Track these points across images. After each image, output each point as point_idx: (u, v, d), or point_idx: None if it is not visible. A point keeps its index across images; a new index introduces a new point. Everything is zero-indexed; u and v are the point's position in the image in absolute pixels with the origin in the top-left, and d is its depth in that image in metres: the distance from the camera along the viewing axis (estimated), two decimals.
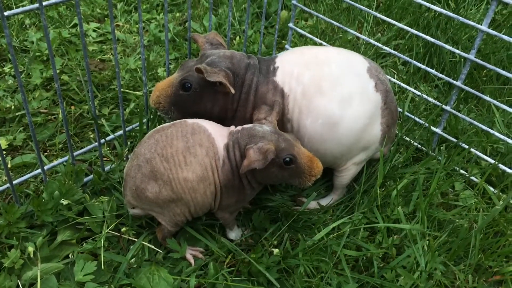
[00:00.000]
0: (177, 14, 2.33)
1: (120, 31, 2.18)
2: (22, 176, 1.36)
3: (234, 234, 1.32)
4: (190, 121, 1.19)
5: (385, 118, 1.31)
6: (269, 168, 1.15)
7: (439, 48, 2.14)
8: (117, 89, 1.78)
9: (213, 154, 1.15)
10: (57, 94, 1.73)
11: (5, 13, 1.00)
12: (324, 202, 1.44)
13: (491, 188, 1.52)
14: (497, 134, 1.51)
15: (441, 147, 1.62)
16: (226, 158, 1.16)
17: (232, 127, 1.21)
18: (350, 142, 1.28)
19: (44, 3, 1.05)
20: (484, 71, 2.07)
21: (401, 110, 1.67)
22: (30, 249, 1.16)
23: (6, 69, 1.84)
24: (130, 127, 1.53)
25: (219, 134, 1.18)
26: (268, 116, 1.22)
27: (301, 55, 1.31)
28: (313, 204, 1.44)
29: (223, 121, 1.29)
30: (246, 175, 1.18)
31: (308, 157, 1.17)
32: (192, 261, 1.25)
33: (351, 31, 1.76)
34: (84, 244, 1.26)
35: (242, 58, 1.31)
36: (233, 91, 1.22)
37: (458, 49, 2.21)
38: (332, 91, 1.24)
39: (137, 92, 1.78)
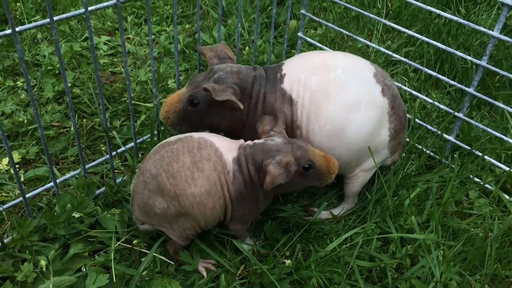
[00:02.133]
0: (187, 26, 2.34)
1: (130, 44, 2.20)
2: (35, 189, 1.38)
3: (246, 246, 1.31)
4: (196, 135, 1.19)
5: (392, 123, 1.30)
6: (291, 178, 1.14)
7: (450, 55, 2.12)
8: (128, 101, 1.79)
9: (221, 169, 1.14)
10: (68, 107, 1.75)
11: (17, 29, 1.01)
12: (336, 211, 1.43)
13: (506, 196, 1.49)
14: (511, 141, 1.49)
15: (454, 155, 1.60)
16: (237, 172, 1.15)
17: (241, 141, 1.21)
18: (358, 147, 1.28)
19: (55, 18, 1.07)
20: (497, 77, 2.04)
21: (410, 117, 1.65)
22: (43, 262, 1.16)
23: (19, 83, 1.86)
24: (141, 139, 1.54)
25: (227, 148, 1.17)
26: (273, 126, 1.22)
27: (308, 60, 1.31)
28: (325, 214, 1.43)
29: (232, 134, 1.29)
30: (263, 187, 1.17)
31: (323, 157, 1.17)
32: (204, 273, 1.24)
33: (361, 39, 1.75)
34: (96, 257, 1.26)
35: (249, 71, 1.31)
36: (241, 106, 1.23)
37: (469, 55, 2.19)
38: (339, 96, 1.24)
39: (147, 104, 1.79)
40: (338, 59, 1.30)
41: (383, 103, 1.27)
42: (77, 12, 1.11)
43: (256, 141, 1.20)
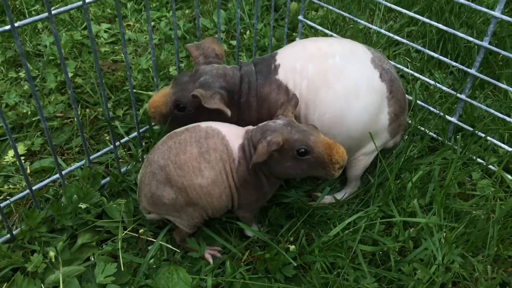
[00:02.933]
0: (187, 11, 2.33)
1: (131, 31, 2.19)
2: (42, 181, 1.40)
3: (253, 230, 1.33)
4: (203, 125, 1.19)
5: (392, 107, 1.30)
6: (284, 162, 1.14)
7: (453, 34, 2.10)
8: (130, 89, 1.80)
9: (227, 157, 1.15)
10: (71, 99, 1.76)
11: (16, 24, 1.01)
12: (339, 196, 1.44)
13: (509, 176, 1.49)
14: None
15: (457, 136, 1.60)
16: (242, 159, 1.16)
17: (249, 127, 1.21)
18: (358, 134, 1.28)
19: (53, 11, 1.07)
20: (500, 55, 2.02)
21: (411, 98, 1.65)
22: (52, 253, 1.19)
23: (22, 74, 1.87)
24: (144, 128, 1.55)
25: (234, 136, 1.18)
26: (284, 110, 1.21)
27: (303, 48, 1.30)
28: (328, 199, 1.44)
29: None
30: (263, 172, 1.18)
31: (327, 144, 1.13)
32: (210, 260, 1.27)
33: (362, 21, 1.74)
34: (104, 246, 1.28)
35: (235, 72, 1.31)
36: (229, 113, 1.22)
37: (472, 33, 2.17)
38: (337, 83, 1.24)
39: (150, 93, 1.79)
40: (334, 46, 1.29)
41: (382, 88, 1.27)
42: (75, 5, 1.11)
43: (260, 124, 1.19)
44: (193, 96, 1.21)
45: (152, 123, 1.46)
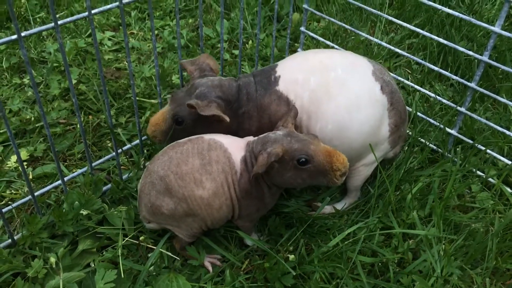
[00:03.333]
0: (190, 20, 2.35)
1: (134, 39, 2.21)
2: (44, 187, 1.41)
3: (251, 240, 1.34)
4: (206, 137, 1.20)
5: (392, 118, 1.31)
6: (285, 172, 1.15)
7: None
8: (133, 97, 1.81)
9: (229, 170, 1.16)
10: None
11: (22, 34, 1.03)
12: (339, 206, 1.45)
13: (509, 189, 1.50)
14: None
15: (457, 148, 1.61)
16: (244, 171, 1.17)
17: (250, 138, 1.22)
18: (359, 145, 1.29)
19: (59, 22, 1.08)
20: (500, 69, 2.04)
21: (412, 110, 1.66)
22: (52, 259, 1.20)
23: (26, 80, 1.89)
24: (146, 136, 1.56)
25: (236, 148, 1.19)
26: (284, 122, 1.22)
27: (305, 61, 1.32)
28: (328, 209, 1.45)
29: None
30: (266, 182, 1.19)
31: (327, 152, 1.14)
32: (210, 268, 1.27)
33: (363, 33, 1.76)
34: (104, 253, 1.29)
35: (231, 83, 1.32)
36: (227, 119, 1.24)
37: (473, 46, 2.18)
38: (339, 96, 1.25)
39: (152, 100, 1.81)
40: (335, 58, 1.30)
41: (383, 100, 1.28)
42: (81, 15, 1.13)
43: (261, 135, 1.21)
44: (189, 106, 1.22)
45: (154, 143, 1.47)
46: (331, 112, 1.25)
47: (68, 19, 1.11)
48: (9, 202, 1.42)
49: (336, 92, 1.25)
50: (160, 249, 1.29)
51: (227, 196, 1.17)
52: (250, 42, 2.22)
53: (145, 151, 1.57)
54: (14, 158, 1.54)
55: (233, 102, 1.31)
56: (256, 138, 1.21)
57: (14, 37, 1.02)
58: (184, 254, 1.29)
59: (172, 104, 1.32)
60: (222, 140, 1.19)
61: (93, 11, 1.15)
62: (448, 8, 2.40)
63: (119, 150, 1.45)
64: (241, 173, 1.17)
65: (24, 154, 1.56)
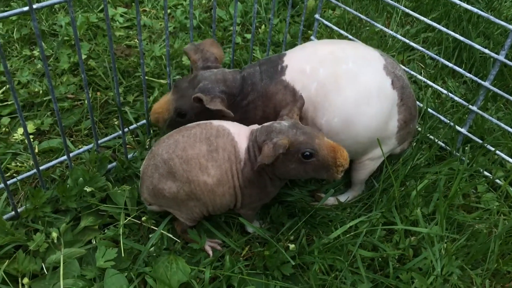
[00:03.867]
0: (203, 1, 2.32)
1: (146, 17, 2.19)
2: (49, 161, 1.41)
3: (252, 228, 1.34)
4: (215, 123, 1.19)
5: (402, 114, 1.30)
6: (289, 164, 1.14)
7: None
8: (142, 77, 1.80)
9: (234, 159, 1.15)
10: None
11: (34, 6, 1.02)
12: (343, 198, 1.45)
13: None
14: None
15: (466, 147, 1.59)
16: (247, 160, 1.16)
17: (254, 126, 1.21)
18: (366, 140, 1.28)
19: None
20: None
21: (423, 105, 1.64)
22: (54, 234, 1.20)
23: (36, 52, 1.88)
24: None
25: (242, 137, 1.17)
26: (289, 112, 1.21)
27: (314, 52, 1.29)
28: (331, 200, 1.44)
29: None
30: (267, 173, 1.18)
31: (331, 147, 1.13)
32: (210, 252, 1.28)
33: (378, 25, 1.73)
34: (106, 231, 1.29)
35: (234, 75, 1.31)
36: (232, 115, 1.23)
37: (489, 44, 2.15)
38: (349, 89, 1.23)
39: (161, 80, 1.80)
40: (347, 51, 1.28)
41: (393, 95, 1.26)
42: None
43: (265, 124, 1.19)
44: (195, 100, 1.21)
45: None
46: (338, 105, 1.23)
47: None
48: (14, 175, 1.42)
49: (346, 85, 1.23)
50: (161, 231, 1.29)
51: (230, 184, 1.17)
52: (263, 26, 2.19)
53: (151, 131, 1.56)
54: (20, 130, 1.54)
55: (237, 95, 1.30)
56: (259, 126, 1.19)
57: (26, 8, 1.01)
58: (185, 237, 1.29)
59: (175, 94, 1.31)
60: (230, 128, 1.18)
61: None
62: (467, 3, 2.36)
63: (126, 129, 1.45)
64: (245, 162, 1.16)
65: (31, 127, 1.55)
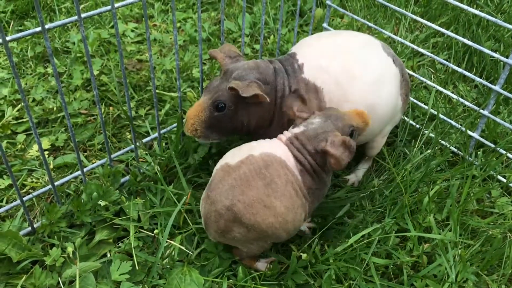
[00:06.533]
0: (212, 14, 2.35)
1: (157, 31, 2.23)
2: (64, 176, 1.44)
3: (304, 225, 1.34)
4: (257, 153, 1.14)
5: (403, 89, 1.40)
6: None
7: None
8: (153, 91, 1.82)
9: (291, 177, 1.13)
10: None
11: (46, 26, 1.05)
12: (360, 173, 1.55)
13: None
14: None
15: (478, 152, 1.58)
16: (302, 171, 1.15)
17: (283, 138, 1.19)
18: (386, 120, 1.38)
19: (82, 15, 1.09)
20: None
21: (434, 111, 1.64)
22: (70, 249, 1.22)
23: (49, 70, 1.92)
24: (165, 130, 1.58)
25: (284, 152, 1.15)
26: (304, 109, 1.22)
27: (322, 45, 1.34)
28: (353, 178, 1.53)
29: (259, 132, 1.31)
30: (323, 169, 1.18)
31: (357, 114, 1.21)
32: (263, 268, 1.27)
33: (386, 32, 1.73)
34: (120, 244, 1.31)
35: (267, 65, 1.31)
36: (268, 100, 1.22)
37: (500, 47, 2.13)
38: (364, 75, 1.29)
39: (172, 94, 1.82)
40: (351, 40, 1.35)
41: (397, 72, 1.36)
42: (104, 9, 1.14)
43: (296, 131, 1.18)
44: (230, 89, 1.20)
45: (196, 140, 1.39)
46: (360, 92, 1.28)
47: (91, 13, 1.12)
48: (30, 191, 1.45)
49: (360, 72, 1.28)
50: (173, 243, 1.30)
51: (299, 204, 1.14)
52: (272, 37, 2.21)
53: (164, 143, 1.58)
54: (36, 147, 1.58)
55: (271, 84, 1.29)
56: (289, 135, 1.18)
57: (38, 29, 1.04)
58: (251, 265, 1.28)
59: (208, 94, 1.28)
60: (273, 152, 1.14)
61: (116, 5, 1.17)
62: (476, 7, 2.36)
63: (138, 143, 1.47)
64: (300, 174, 1.15)
65: (45, 144, 1.59)
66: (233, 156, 1.16)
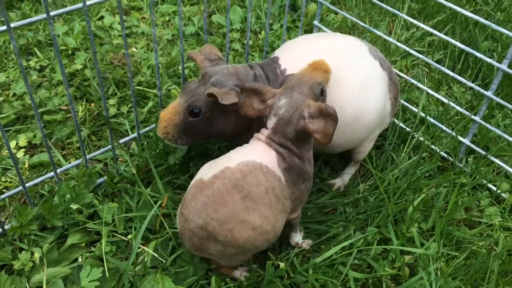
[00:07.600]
0: (202, 7, 2.29)
1: (145, 24, 2.17)
2: (38, 176, 1.39)
3: (299, 236, 1.29)
4: (233, 164, 1.05)
5: (392, 92, 1.36)
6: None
7: (476, 47, 2.01)
8: (138, 86, 1.77)
9: (273, 183, 1.06)
10: (78, 90, 1.74)
11: (12, 25, 1.00)
12: (347, 177, 1.50)
13: None
14: None
15: (469, 158, 1.53)
16: (285, 170, 1.08)
17: (261, 136, 1.11)
18: (374, 125, 1.34)
19: (52, 13, 1.04)
20: None
21: (424, 115, 1.58)
22: (37, 255, 1.18)
23: (32, 63, 1.87)
24: (145, 129, 1.53)
25: (266, 156, 1.08)
26: (261, 99, 1.12)
27: (306, 49, 1.28)
28: (339, 183, 1.48)
29: (237, 138, 1.25)
30: (305, 154, 1.11)
31: (315, 69, 1.14)
32: (241, 278, 1.22)
33: (378, 32, 1.67)
34: (92, 248, 1.27)
35: (247, 70, 1.25)
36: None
37: (498, 47, 2.07)
38: (350, 80, 1.25)
39: (155, 91, 1.77)
40: (336, 43, 1.30)
41: (384, 76, 1.32)
42: (74, 7, 1.09)
43: (271, 124, 1.10)
44: (209, 95, 1.13)
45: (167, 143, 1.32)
46: (345, 97, 1.24)
47: (60, 11, 1.07)
48: (4, 190, 1.41)
49: (347, 77, 1.25)
50: (146, 249, 1.25)
51: (278, 210, 1.07)
52: (263, 32, 2.15)
53: (145, 142, 1.54)
54: (12, 144, 1.53)
55: None
56: (267, 132, 1.10)
57: (4, 28, 0.99)
58: (228, 273, 1.23)
59: (185, 97, 1.22)
60: (251, 158, 1.06)
61: (88, 3, 1.11)
62: (474, 5, 2.29)
63: (116, 143, 1.43)
64: (285, 173, 1.07)
65: (22, 141, 1.54)
66: (209, 170, 1.08)
